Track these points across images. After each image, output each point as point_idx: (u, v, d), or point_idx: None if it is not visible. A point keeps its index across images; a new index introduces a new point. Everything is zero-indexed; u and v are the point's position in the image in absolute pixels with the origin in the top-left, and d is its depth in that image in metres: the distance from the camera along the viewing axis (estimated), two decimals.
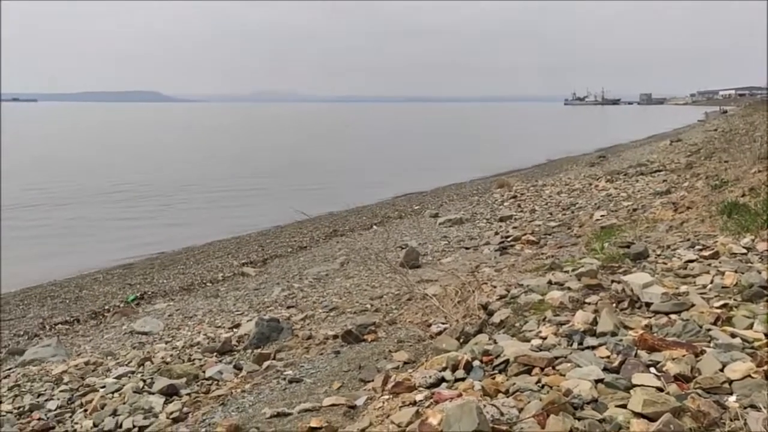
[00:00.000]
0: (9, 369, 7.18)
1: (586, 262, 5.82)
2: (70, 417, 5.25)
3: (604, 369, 3.24)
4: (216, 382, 5.60)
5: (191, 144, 54.09)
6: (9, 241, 15.97)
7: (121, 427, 4.83)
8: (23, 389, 6.00)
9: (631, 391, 2.97)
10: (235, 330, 7.49)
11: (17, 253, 14.74)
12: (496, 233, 12.19)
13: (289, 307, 8.56)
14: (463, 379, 3.56)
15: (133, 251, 14.96)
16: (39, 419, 5.24)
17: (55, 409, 5.41)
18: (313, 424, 3.84)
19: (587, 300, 4.71)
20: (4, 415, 5.32)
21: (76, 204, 21.83)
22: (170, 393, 5.34)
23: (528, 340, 3.98)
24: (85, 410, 5.30)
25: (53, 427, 5.09)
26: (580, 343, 3.71)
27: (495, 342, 4.11)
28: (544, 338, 3.94)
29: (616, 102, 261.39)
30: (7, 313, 10.36)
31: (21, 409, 5.46)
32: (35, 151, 43.24)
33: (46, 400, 5.62)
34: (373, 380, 4.57)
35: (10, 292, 11.70)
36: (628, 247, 6.23)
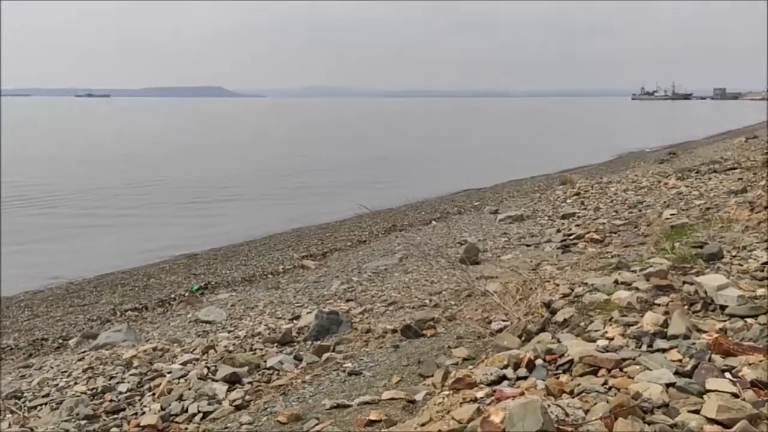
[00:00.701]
0: (83, 352, 7.51)
1: (655, 262, 5.64)
2: (140, 400, 5.45)
3: (676, 373, 3.12)
4: (276, 372, 5.70)
5: (255, 138, 55.21)
6: (88, 230, 16.74)
7: (186, 411, 4.97)
8: (96, 371, 6.26)
9: (705, 396, 2.87)
10: (295, 321, 7.60)
11: (92, 244, 15.40)
12: (558, 231, 11.95)
13: (348, 301, 8.63)
14: (525, 378, 3.51)
15: (198, 242, 15.40)
16: (111, 401, 5.45)
17: (126, 392, 5.62)
18: (373, 416, 3.86)
19: (657, 301, 4.56)
20: (79, 396, 5.56)
21: (151, 194, 22.63)
22: (233, 381, 5.47)
23: (593, 341, 3.88)
24: (153, 394, 5.49)
25: (123, 409, 5.29)
26: (650, 346, 3.60)
27: (558, 341, 4.03)
28: (611, 339, 3.84)
29: (687, 97, 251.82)
30: (82, 298, 10.83)
31: (94, 391, 5.70)
32: (120, 144, 45.09)
33: (117, 383, 5.85)
34: (432, 375, 4.56)
35: (86, 278, 12.24)
36: (701, 247, 6.00)
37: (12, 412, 5.56)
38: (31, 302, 10.75)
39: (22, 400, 5.82)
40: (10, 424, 5.23)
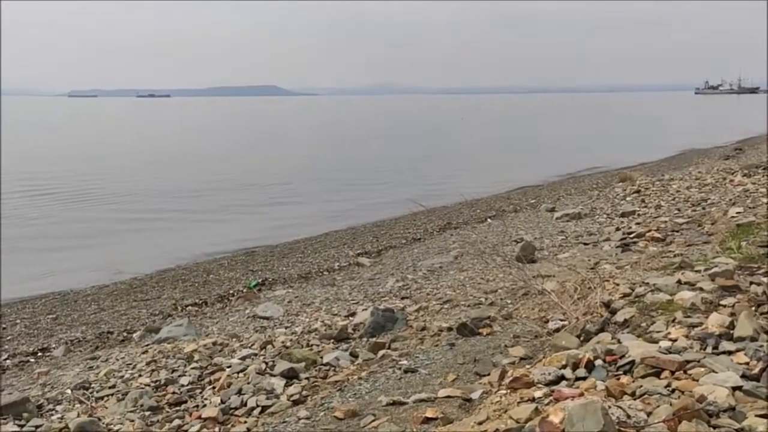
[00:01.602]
0: (147, 345, 7.77)
1: (720, 262, 5.46)
2: (200, 393, 5.61)
3: (743, 376, 3.03)
4: (333, 368, 5.77)
5: (311, 135, 55.90)
6: (151, 227, 17.32)
7: (245, 405, 5.09)
8: (159, 364, 6.48)
9: None
10: (351, 318, 7.67)
11: (154, 241, 15.91)
12: (618, 229, 11.67)
13: (403, 298, 8.65)
14: (584, 378, 3.47)
15: (255, 238, 15.71)
16: (173, 393, 5.64)
17: (187, 385, 5.80)
18: (429, 414, 3.87)
19: (722, 302, 4.42)
20: (143, 387, 5.77)
21: (210, 193, 23.21)
22: (290, 376, 5.57)
23: (656, 342, 3.79)
24: (213, 387, 5.65)
25: (185, 401, 5.46)
26: (715, 348, 3.49)
27: (619, 341, 3.96)
28: (674, 340, 3.75)
29: (754, 91, 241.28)
30: (145, 293, 11.20)
31: (158, 383, 5.90)
32: (180, 143, 46.46)
33: (179, 376, 6.03)
34: (488, 374, 4.54)
35: (148, 274, 12.65)
36: None
37: (81, 402, 5.81)
38: (97, 296, 11.18)
39: (90, 390, 6.07)
40: (78, 414, 5.46)
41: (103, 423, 5.15)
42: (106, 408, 5.56)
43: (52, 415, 5.55)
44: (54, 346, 8.64)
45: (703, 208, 12.33)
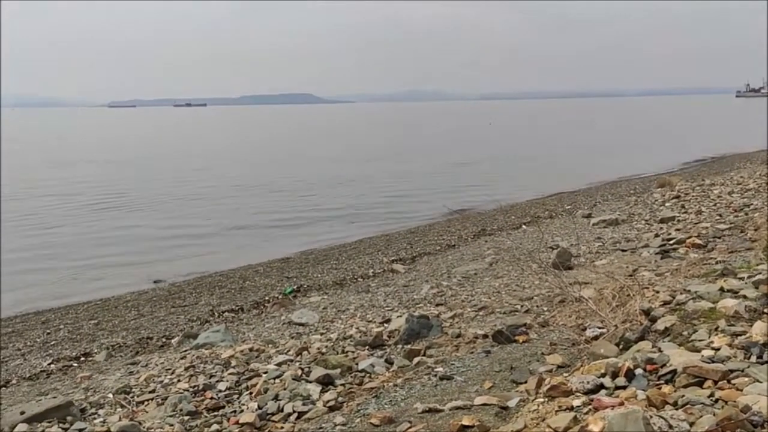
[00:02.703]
0: (185, 351, 7.89)
1: (764, 269, 5.32)
2: (238, 398, 5.68)
3: None
4: (368, 374, 5.78)
5: (345, 142, 56.22)
6: (187, 234, 17.64)
7: (282, 410, 5.13)
8: (197, 370, 6.57)
9: None
10: (385, 325, 7.67)
11: (189, 250, 16.17)
12: (657, 235, 11.48)
13: (438, 305, 8.64)
14: (624, 387, 3.41)
15: (291, 244, 15.87)
16: (211, 398, 5.71)
17: (225, 390, 5.87)
18: (465, 422, 3.85)
19: (767, 310, 4.31)
20: (182, 392, 5.86)
21: (246, 200, 23.54)
22: (326, 382, 5.59)
23: (698, 351, 3.72)
24: (251, 393, 5.71)
25: (223, 407, 5.53)
26: (760, 357, 3.41)
27: (659, 350, 3.89)
28: (717, 349, 3.67)
29: None
30: (183, 299, 11.38)
31: (196, 388, 5.98)
32: (218, 150, 47.29)
33: (216, 381, 6.11)
34: (525, 382, 4.50)
35: (186, 280, 12.86)
36: None
37: (122, 406, 5.93)
38: (137, 302, 11.40)
39: (131, 395, 6.19)
40: (120, 418, 5.57)
41: (144, 427, 5.24)
42: (147, 412, 5.66)
43: (94, 418, 5.67)
44: (96, 351, 8.83)
45: (746, 214, 12.05)
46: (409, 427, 4.08)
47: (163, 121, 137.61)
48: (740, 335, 3.84)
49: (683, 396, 3.05)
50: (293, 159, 40.27)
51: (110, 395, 6.24)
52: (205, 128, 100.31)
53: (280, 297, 11.03)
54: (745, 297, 4.66)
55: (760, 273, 5.15)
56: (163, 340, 9.12)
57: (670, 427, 2.69)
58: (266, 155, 43.97)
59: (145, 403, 5.92)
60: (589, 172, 27.64)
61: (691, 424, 2.72)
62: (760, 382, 3.03)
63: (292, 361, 6.48)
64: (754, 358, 3.42)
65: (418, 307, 8.67)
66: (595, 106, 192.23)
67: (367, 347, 6.71)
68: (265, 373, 6.09)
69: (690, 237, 10.38)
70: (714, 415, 2.75)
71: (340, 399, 5.18)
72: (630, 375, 3.50)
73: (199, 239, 17.12)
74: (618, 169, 27.77)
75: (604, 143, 47.31)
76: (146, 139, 68.10)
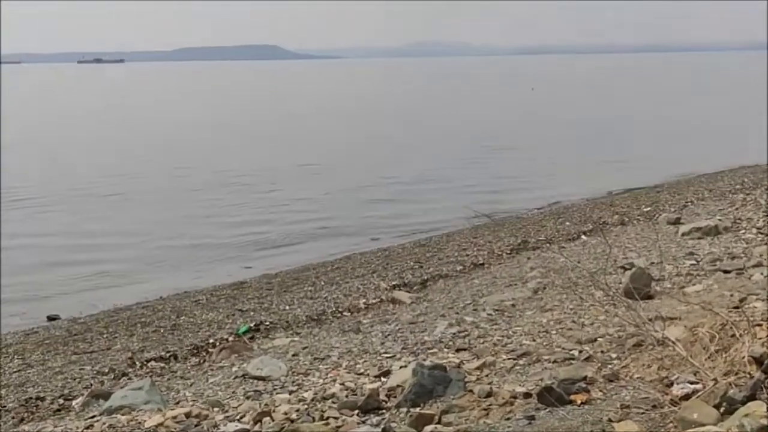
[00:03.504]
0: (92, 417, 7.87)
1: None
2: None
3: None
4: None
5: (320, 112, 56.28)
6: (91, 247, 17.59)
7: None
8: None
9: None
10: (383, 379, 7.68)
11: (98, 267, 16.16)
12: None
13: (459, 350, 8.64)
14: None
15: (247, 263, 15.90)
16: None
17: None
18: None
19: None
20: None
21: (164, 197, 23.60)
22: None
23: None
24: None
25: None
26: None
27: None
28: None
29: None
30: (89, 343, 11.37)
31: None
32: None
33: None
34: None
35: (93, 316, 12.85)
36: None
37: None
38: (22, 347, 11.39)
39: None
40: None
41: None
42: None
43: None
44: None
45: None
46: None
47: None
48: None
49: None
50: (244, 138, 40.34)
51: None
52: (88, 94, 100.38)
53: (230, 339, 11.02)
54: None
55: None
56: (61, 401, 9.10)
57: None
58: (203, 132, 44.04)
59: None
60: (675, 158, 27.77)
61: None
62: None
63: (248, 431, 6.48)
64: None
65: (431, 353, 8.67)
66: (682, 64, 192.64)
67: (356, 411, 6.71)
68: None
69: None
70: None
71: None
72: None
73: (109, 255, 17.11)
74: (718, 155, 27.86)
75: (696, 118, 47.49)
76: None
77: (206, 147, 37.45)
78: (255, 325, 11.52)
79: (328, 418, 6.63)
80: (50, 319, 12.91)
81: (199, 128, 47.65)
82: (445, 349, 8.81)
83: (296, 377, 8.66)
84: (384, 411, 6.69)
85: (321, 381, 8.21)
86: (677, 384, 5.60)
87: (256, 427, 6.59)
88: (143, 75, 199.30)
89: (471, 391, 6.76)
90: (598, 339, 7.97)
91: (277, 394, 7.96)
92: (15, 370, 10.43)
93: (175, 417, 7.09)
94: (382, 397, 6.98)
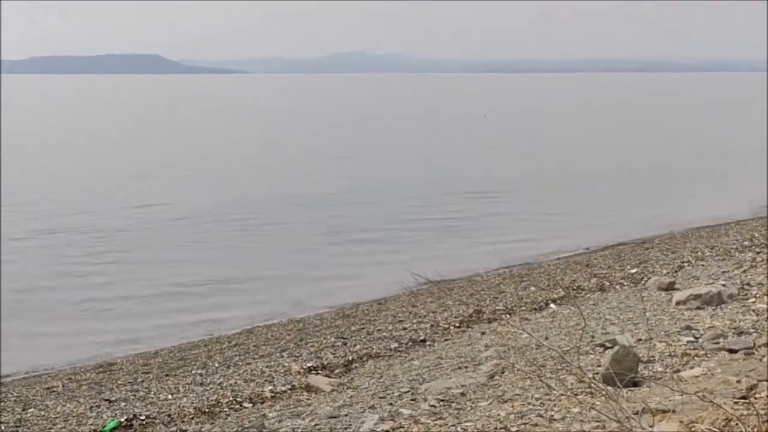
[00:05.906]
0: None
1: None
2: None
3: None
4: None
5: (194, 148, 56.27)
6: None
7: None
8: None
9: None
10: None
11: None
12: None
13: None
14: None
15: (115, 335, 15.73)
16: None
17: None
18: None
19: None
20: None
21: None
22: None
23: None
24: None
25: None
26: None
27: None
28: None
29: None
30: None
31: None
32: None
33: None
34: None
35: None
36: None
37: None
38: None
39: None
40: None
41: None
42: None
43: None
44: None
45: None
46: None
47: None
48: None
49: None
50: (95, 175, 40.05)
51: None
52: None
53: None
54: None
55: None
56: None
57: None
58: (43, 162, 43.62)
59: None
60: (669, 204, 28.21)
61: None
62: None
63: None
64: None
65: None
66: (672, 83, 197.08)
67: None
68: None
69: None
70: None
71: None
72: None
73: None
74: (720, 203, 28.40)
75: (692, 155, 48.41)
76: None
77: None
78: (127, 420, 11.37)
79: None
80: None
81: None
82: None
83: None
84: None
85: None
86: None
87: None
88: None
89: None
90: None
91: None
92: None
93: None
94: None
